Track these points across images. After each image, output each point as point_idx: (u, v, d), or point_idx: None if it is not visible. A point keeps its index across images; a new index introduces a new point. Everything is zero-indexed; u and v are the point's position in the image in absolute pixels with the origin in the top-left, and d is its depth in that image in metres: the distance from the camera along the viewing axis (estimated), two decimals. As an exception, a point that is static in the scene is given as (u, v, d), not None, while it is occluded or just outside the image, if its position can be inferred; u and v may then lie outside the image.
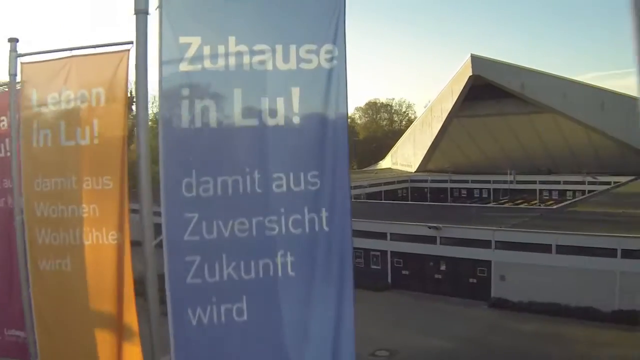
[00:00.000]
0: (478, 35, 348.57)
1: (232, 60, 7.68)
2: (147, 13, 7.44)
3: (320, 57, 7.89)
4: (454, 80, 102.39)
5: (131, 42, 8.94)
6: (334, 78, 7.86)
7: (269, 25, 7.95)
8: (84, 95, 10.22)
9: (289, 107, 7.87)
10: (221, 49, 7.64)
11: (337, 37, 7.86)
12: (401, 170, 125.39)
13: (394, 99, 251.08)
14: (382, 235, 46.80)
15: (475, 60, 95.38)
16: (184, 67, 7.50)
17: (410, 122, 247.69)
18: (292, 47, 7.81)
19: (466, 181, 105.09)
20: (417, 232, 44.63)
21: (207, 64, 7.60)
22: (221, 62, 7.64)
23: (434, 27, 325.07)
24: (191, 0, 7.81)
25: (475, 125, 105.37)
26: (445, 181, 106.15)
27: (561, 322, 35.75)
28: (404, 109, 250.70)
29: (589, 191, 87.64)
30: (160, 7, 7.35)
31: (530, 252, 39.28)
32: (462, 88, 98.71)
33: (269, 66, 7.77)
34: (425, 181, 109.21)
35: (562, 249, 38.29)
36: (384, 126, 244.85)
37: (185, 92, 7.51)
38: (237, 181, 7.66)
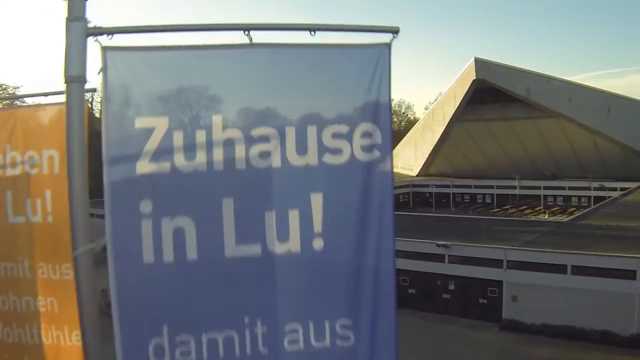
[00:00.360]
0: (474, 36, 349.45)
1: (217, 154, 5.07)
2: (83, 81, 4.67)
3: (354, 145, 5.29)
4: (457, 84, 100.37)
5: (94, 89, 6.78)
6: (375, 177, 5.30)
7: (273, 96, 5.26)
8: (34, 158, 7.98)
9: (308, 224, 5.27)
10: (201, 136, 5.04)
11: (380, 111, 5.33)
12: (402, 174, 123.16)
13: (393, 99, 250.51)
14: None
15: (480, 63, 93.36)
16: (143, 166, 4.87)
17: (410, 123, 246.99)
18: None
19: (469, 186, 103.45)
20: (425, 249, 42.47)
21: (180, 160, 4.98)
22: (201, 158, 5.04)
23: (431, 28, 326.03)
24: (154, 56, 4.93)
25: (479, 129, 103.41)
26: (448, 186, 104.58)
27: (577, 347, 33.96)
28: (403, 110, 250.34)
29: (595, 197, 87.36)
30: (104, 69, 4.69)
31: (544, 273, 37.34)
32: (465, 92, 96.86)
33: (276, 161, 5.17)
34: (427, 186, 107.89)
35: (578, 270, 36.41)
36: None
37: (147, 207, 4.88)
38: (231, 339, 5.09)
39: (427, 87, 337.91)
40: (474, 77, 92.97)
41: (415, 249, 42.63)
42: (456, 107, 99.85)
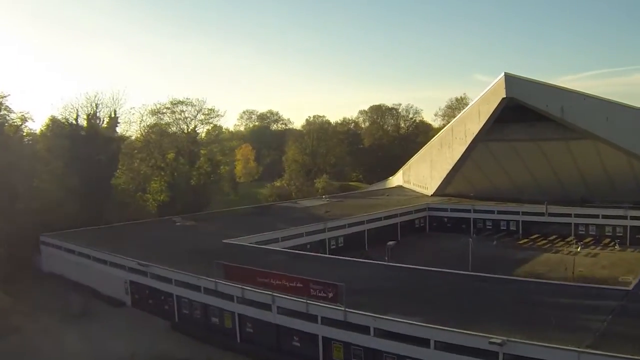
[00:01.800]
0: (477, 37, 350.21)
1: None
2: None
3: None
4: (483, 100, 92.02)
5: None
6: None
7: None
8: None
9: None
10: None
11: None
12: (416, 192, 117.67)
13: (400, 104, 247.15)
14: (420, 341, 35.75)
15: (510, 80, 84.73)
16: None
17: (417, 127, 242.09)
18: None
19: (492, 211, 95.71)
20: (466, 342, 33.39)
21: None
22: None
23: (432, 31, 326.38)
24: None
25: (504, 150, 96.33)
26: (469, 211, 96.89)
27: None
28: (411, 115, 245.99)
29: (632, 227, 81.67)
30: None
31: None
32: (492, 110, 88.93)
33: None
34: (446, 210, 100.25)
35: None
36: (390, 131, 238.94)
37: None
38: None
39: (437, 91, 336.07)
40: (504, 95, 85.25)
41: (453, 341, 33.67)
42: (481, 126, 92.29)
